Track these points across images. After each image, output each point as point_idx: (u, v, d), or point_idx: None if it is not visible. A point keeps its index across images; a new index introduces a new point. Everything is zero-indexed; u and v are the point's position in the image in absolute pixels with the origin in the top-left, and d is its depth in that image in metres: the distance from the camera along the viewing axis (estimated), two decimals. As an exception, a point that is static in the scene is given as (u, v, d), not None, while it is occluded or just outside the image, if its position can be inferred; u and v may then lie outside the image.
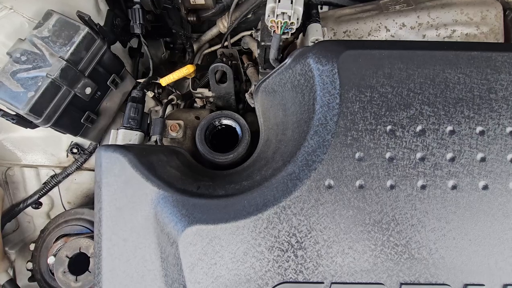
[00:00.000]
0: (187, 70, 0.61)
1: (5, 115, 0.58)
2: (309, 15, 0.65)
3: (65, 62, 0.58)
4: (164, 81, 0.61)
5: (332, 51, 0.45)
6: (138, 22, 0.79)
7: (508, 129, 0.42)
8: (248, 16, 1.03)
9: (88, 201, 0.92)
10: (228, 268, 0.40)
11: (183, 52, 1.13)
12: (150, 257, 0.43)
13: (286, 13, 0.51)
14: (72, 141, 0.89)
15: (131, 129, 0.61)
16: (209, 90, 0.78)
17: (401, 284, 0.39)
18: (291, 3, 0.51)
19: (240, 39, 1.03)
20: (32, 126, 0.62)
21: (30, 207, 0.87)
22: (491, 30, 0.73)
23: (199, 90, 0.78)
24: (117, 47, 0.84)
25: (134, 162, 0.44)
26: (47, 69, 0.58)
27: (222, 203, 0.42)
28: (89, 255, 0.66)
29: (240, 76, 0.92)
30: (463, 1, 0.77)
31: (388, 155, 0.41)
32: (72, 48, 0.60)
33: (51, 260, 0.69)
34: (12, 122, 0.59)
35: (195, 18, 1.08)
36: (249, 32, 0.97)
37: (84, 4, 0.68)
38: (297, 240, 0.40)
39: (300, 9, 0.52)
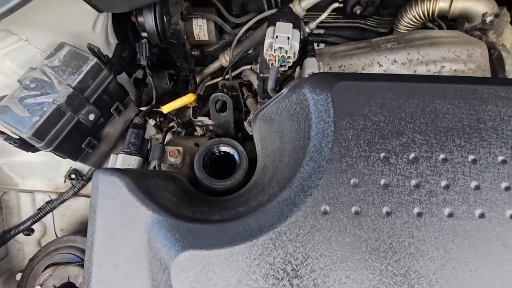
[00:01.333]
0: (188, 98, 0.64)
1: (8, 138, 0.59)
2: (306, 51, 0.69)
3: (72, 90, 0.61)
4: (166, 108, 0.63)
5: (326, 82, 0.47)
6: (144, 54, 0.83)
7: (500, 158, 0.42)
8: (249, 52, 1.09)
9: (82, 228, 0.90)
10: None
11: (186, 84, 1.17)
12: (141, 286, 0.41)
13: (283, 47, 0.54)
14: (71, 167, 0.90)
15: (131, 154, 0.62)
16: (209, 119, 0.80)
17: (402, 317, 0.38)
18: (288, 39, 0.55)
19: (240, 72, 1.08)
20: (34, 150, 0.63)
21: (21, 234, 0.85)
22: (478, 67, 0.77)
23: (199, 118, 0.81)
24: (123, 77, 0.87)
25: (130, 186, 0.44)
26: (54, 96, 0.60)
27: (216, 228, 0.42)
28: (77, 285, 0.64)
29: (240, 107, 0.95)
30: (449, 41, 0.82)
31: (383, 181, 0.41)
32: (80, 77, 0.63)
33: (36, 289, 0.66)
34: (14, 145, 0.60)
35: (198, 53, 1.15)
36: (249, 66, 1.03)
37: (95, 38, 0.73)
38: (293, 268, 0.39)
39: (296, 45, 0.56)
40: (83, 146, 0.70)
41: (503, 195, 0.41)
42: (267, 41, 0.55)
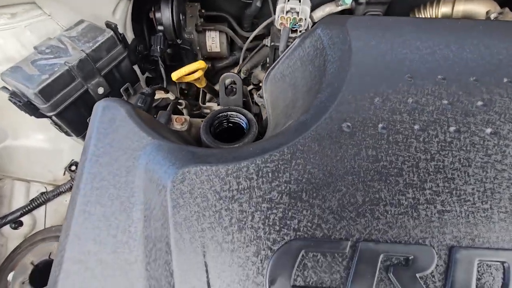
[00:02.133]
0: (198, 64, 0.63)
1: (13, 96, 0.58)
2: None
3: (84, 55, 0.62)
4: (175, 75, 0.62)
5: (339, 19, 0.46)
6: (159, 46, 0.87)
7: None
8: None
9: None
10: (227, 212, 0.32)
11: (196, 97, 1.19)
12: (131, 213, 0.35)
13: (295, 8, 0.55)
14: (72, 160, 0.86)
15: (136, 120, 0.59)
16: (218, 105, 0.79)
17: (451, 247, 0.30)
18: (299, 1, 0.57)
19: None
20: (37, 114, 0.61)
21: (8, 226, 0.78)
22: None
23: (208, 104, 0.79)
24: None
25: (131, 113, 0.41)
26: (67, 58, 0.61)
27: (221, 151, 0.37)
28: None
29: (249, 107, 0.94)
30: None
31: (410, 100, 0.37)
32: (95, 46, 0.64)
33: (10, 277, 0.57)
34: (18, 105, 0.58)
35: (210, 65, 1.19)
36: (258, 67, 1.05)
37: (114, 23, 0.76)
38: (313, 186, 0.33)
39: (307, 9, 0.57)
40: (87, 120, 0.68)
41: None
42: (279, 6, 0.57)
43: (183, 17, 0.91)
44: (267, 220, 0.31)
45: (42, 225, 0.81)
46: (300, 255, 0.29)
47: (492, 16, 0.86)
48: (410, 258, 0.29)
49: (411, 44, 0.41)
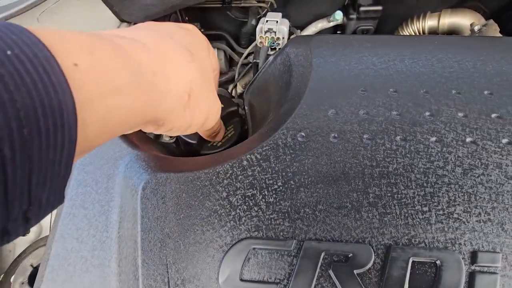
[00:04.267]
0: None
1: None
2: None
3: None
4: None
5: (305, 38, 0.51)
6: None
7: (486, 92, 0.41)
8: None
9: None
10: (190, 215, 0.36)
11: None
12: (109, 216, 0.39)
13: (272, 29, 0.60)
14: (77, 170, 0.93)
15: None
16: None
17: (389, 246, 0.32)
18: (277, 22, 0.62)
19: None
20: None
21: (16, 233, 0.84)
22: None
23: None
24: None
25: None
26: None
27: (192, 160, 0.41)
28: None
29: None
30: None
31: (362, 112, 0.40)
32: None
33: (12, 279, 0.62)
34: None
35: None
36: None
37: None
38: (267, 191, 0.36)
39: (284, 28, 0.62)
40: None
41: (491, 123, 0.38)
42: (259, 26, 0.62)
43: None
44: (223, 223, 0.35)
45: (48, 231, 0.87)
46: (249, 252, 0.32)
47: (476, 28, 0.88)
48: (349, 256, 0.31)
49: (368, 60, 0.45)
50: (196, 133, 0.52)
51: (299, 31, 1.16)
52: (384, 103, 0.40)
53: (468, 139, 0.36)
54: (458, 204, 0.33)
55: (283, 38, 0.61)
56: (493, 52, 0.44)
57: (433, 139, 0.37)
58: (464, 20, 0.93)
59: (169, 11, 0.78)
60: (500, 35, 0.89)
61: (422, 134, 0.38)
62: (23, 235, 0.79)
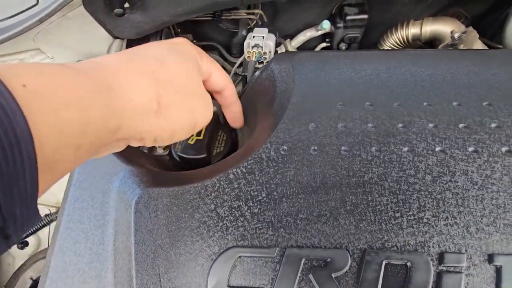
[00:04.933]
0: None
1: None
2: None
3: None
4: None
5: (288, 55, 0.54)
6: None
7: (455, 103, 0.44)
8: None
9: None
10: (181, 227, 0.38)
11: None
12: (105, 230, 0.42)
13: (259, 44, 0.63)
14: (74, 183, 0.95)
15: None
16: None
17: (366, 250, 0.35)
18: (263, 38, 0.65)
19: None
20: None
21: (15, 246, 0.86)
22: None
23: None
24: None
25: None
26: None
27: (184, 174, 0.44)
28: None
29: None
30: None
31: (340, 125, 0.43)
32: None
33: (14, 292, 0.64)
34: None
35: (203, 90, 1.29)
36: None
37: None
38: (252, 202, 0.39)
39: (270, 43, 0.65)
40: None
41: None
42: (246, 42, 0.65)
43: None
44: (211, 233, 0.37)
45: (46, 244, 0.89)
46: (236, 260, 0.34)
47: (456, 35, 0.92)
48: (328, 260, 0.34)
49: (346, 75, 0.48)
50: (202, 148, 0.52)
51: (288, 40, 1.20)
52: (360, 116, 0.43)
53: (437, 148, 0.39)
54: (428, 210, 0.36)
55: (269, 52, 0.65)
56: (462, 65, 0.47)
57: (406, 149, 0.40)
58: (445, 27, 0.97)
59: (160, 27, 0.81)
60: (479, 41, 0.93)
61: (395, 145, 0.41)
62: (22, 249, 0.81)
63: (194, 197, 0.38)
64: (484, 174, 0.36)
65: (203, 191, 0.38)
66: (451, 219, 0.35)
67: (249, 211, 0.37)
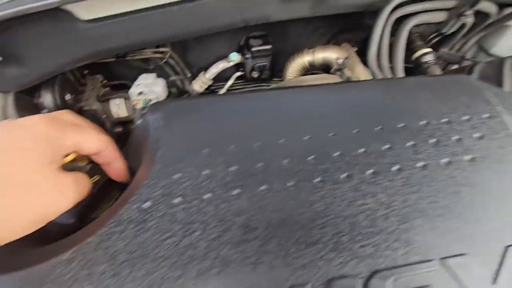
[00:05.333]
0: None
1: None
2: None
3: None
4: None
5: (163, 104, 0.55)
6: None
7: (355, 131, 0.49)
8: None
9: None
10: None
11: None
12: None
13: (143, 91, 0.64)
14: None
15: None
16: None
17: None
18: (149, 86, 0.65)
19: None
20: None
21: None
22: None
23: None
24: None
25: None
26: None
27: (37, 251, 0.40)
28: None
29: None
30: (314, 80, 0.99)
31: (205, 172, 0.45)
32: None
33: None
34: None
35: (121, 129, 1.24)
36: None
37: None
38: (123, 266, 0.37)
39: (157, 89, 0.66)
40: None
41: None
42: (131, 90, 0.65)
43: (73, 95, 0.96)
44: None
45: None
46: None
47: (340, 61, 1.04)
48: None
49: (216, 121, 0.51)
50: (72, 211, 0.50)
51: (202, 72, 1.22)
52: (225, 161, 0.46)
53: (342, 176, 0.43)
54: (345, 234, 0.38)
55: (157, 98, 0.65)
56: (355, 95, 0.54)
57: (263, 187, 0.43)
58: (332, 54, 1.09)
59: (47, 77, 0.77)
60: (360, 64, 1.06)
61: (256, 184, 0.43)
62: None
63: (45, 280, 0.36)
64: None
65: (57, 270, 0.36)
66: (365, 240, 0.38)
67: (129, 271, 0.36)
